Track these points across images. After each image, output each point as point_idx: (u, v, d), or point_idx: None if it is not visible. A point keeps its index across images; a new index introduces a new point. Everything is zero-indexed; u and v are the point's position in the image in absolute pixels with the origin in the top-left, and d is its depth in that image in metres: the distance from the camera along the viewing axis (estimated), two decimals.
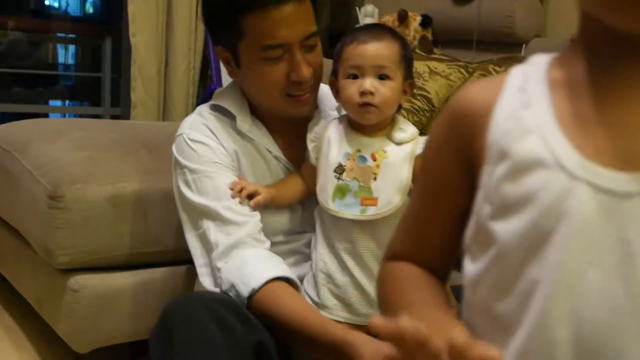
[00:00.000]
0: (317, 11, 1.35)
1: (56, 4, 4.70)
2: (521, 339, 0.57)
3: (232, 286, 1.23)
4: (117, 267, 1.65)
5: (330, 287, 1.27)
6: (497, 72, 2.26)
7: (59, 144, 1.76)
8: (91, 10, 4.78)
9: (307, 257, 1.34)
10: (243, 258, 1.25)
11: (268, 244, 1.30)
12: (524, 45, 2.49)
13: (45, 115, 3.94)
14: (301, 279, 1.31)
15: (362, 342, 1.07)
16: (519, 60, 1.80)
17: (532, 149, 0.58)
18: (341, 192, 1.24)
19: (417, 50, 2.65)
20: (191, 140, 1.34)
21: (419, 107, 2.28)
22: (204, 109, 1.41)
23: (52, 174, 1.63)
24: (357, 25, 2.88)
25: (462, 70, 2.36)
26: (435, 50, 2.66)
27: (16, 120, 2.16)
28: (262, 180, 1.38)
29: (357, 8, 3.14)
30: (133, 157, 1.73)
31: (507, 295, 0.59)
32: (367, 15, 3.04)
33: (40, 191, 1.61)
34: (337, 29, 3.28)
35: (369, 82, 1.22)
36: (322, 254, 1.27)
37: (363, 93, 1.21)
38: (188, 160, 1.33)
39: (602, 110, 0.57)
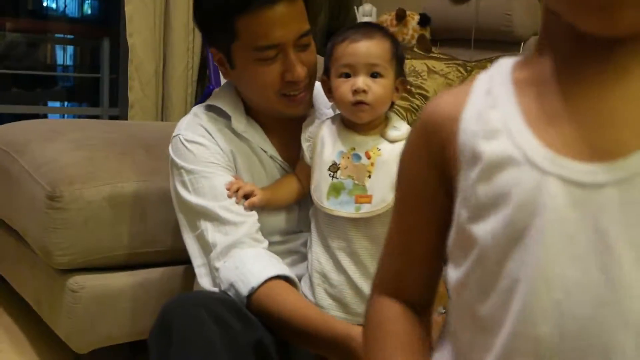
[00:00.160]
0: (310, 9, 1.35)
1: (54, 5, 4.70)
2: (505, 338, 0.57)
3: (231, 285, 1.23)
4: (116, 267, 1.65)
5: (325, 287, 1.27)
6: None
7: (57, 145, 1.76)
8: (89, 11, 4.78)
9: (304, 257, 1.34)
10: (242, 257, 1.25)
11: (266, 243, 1.30)
12: (522, 43, 2.49)
13: (44, 116, 3.93)
14: (299, 279, 1.31)
15: None
16: None
17: (501, 148, 0.58)
18: (336, 190, 1.24)
19: (416, 49, 2.66)
20: (187, 141, 1.34)
21: (417, 105, 2.28)
22: (199, 109, 1.41)
23: (51, 175, 1.63)
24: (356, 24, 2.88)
25: (461, 69, 2.36)
26: (433, 49, 2.66)
27: (15, 121, 2.16)
28: (258, 181, 1.38)
29: (355, 7, 3.15)
30: (131, 157, 1.73)
31: (490, 296, 0.58)
32: (365, 14, 3.04)
33: (39, 191, 1.61)
34: (335, 28, 3.28)
35: (361, 81, 1.22)
36: (317, 253, 1.28)
37: (356, 91, 1.22)
38: (184, 161, 1.33)
39: (569, 104, 0.57)
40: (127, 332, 1.65)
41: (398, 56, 1.27)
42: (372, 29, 1.27)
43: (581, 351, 0.54)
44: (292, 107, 1.35)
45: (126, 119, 3.11)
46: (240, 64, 1.33)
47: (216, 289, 1.26)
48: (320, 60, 1.36)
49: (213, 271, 1.27)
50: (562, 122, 0.57)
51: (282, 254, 1.33)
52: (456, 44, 2.65)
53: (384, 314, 0.74)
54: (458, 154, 0.62)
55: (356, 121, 1.25)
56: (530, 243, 0.55)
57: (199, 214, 1.30)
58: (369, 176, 1.23)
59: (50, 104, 4.65)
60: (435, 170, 0.66)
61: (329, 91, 1.29)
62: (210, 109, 1.40)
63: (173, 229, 1.60)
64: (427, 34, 2.73)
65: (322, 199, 1.25)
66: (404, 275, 0.73)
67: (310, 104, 1.40)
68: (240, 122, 1.38)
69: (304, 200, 1.36)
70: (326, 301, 1.27)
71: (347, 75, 1.23)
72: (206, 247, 1.29)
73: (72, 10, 4.75)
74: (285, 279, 1.25)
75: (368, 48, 1.23)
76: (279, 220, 1.38)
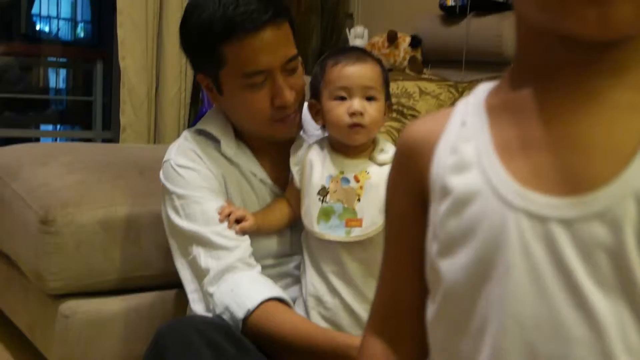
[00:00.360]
0: (301, 32, 1.36)
1: (47, 29, 4.72)
2: None
3: (226, 308, 1.22)
4: (109, 292, 1.64)
5: (320, 310, 1.26)
6: None
7: (50, 168, 1.76)
8: (82, 35, 4.80)
9: (297, 280, 1.34)
10: (236, 281, 1.25)
11: (259, 267, 1.30)
12: None
13: (36, 140, 3.93)
14: (293, 302, 1.30)
15: None
16: None
17: (470, 181, 0.56)
18: (326, 214, 1.24)
19: (407, 71, 2.67)
20: (178, 165, 1.34)
21: None
22: (189, 133, 1.41)
23: (43, 199, 1.62)
24: (346, 46, 2.89)
25: (452, 90, 2.37)
26: (425, 70, 2.67)
27: (7, 145, 2.15)
28: (249, 205, 1.38)
29: (347, 29, 3.16)
30: (124, 180, 1.73)
31: (463, 335, 0.57)
32: (357, 36, 3.06)
33: (31, 216, 1.61)
34: (327, 50, 3.30)
35: (358, 103, 1.23)
36: (310, 277, 1.27)
37: (353, 114, 1.22)
38: (175, 186, 1.33)
39: (541, 132, 0.55)
40: (120, 357, 1.64)
41: (387, 80, 1.29)
42: (363, 53, 1.29)
43: None
44: (283, 130, 1.35)
45: (119, 142, 3.11)
46: (229, 90, 1.33)
47: (210, 314, 1.26)
48: (306, 80, 1.37)
49: (207, 296, 1.27)
50: (533, 151, 0.55)
51: (275, 278, 1.33)
52: (447, 65, 2.66)
53: (363, 352, 0.71)
54: (431, 185, 0.61)
55: (350, 143, 1.26)
56: (498, 280, 0.53)
57: (190, 239, 1.30)
58: (359, 200, 1.23)
59: (43, 127, 4.64)
60: (415, 199, 0.64)
61: (316, 114, 1.29)
62: (200, 133, 1.40)
63: (166, 252, 1.59)
64: (419, 56, 2.75)
65: (312, 224, 1.25)
66: (389, 307, 0.70)
67: (300, 126, 1.40)
68: (229, 147, 1.38)
69: (295, 223, 1.36)
70: (321, 324, 1.26)
71: (342, 98, 1.24)
72: (199, 273, 1.28)
73: (65, 33, 4.77)
74: (281, 301, 1.24)
75: (363, 71, 1.24)
76: (271, 243, 1.37)
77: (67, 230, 1.57)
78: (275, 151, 1.39)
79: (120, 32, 2.99)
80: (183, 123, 3.16)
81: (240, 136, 1.41)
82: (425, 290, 0.64)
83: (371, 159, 1.26)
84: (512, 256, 0.53)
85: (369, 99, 1.24)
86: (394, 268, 0.69)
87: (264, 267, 1.32)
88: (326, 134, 1.33)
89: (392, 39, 2.77)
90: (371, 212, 1.22)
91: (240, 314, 1.20)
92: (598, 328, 0.51)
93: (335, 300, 1.25)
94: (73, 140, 4.02)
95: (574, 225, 0.51)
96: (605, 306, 0.51)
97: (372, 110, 1.23)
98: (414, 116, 2.29)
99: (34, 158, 1.86)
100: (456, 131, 0.60)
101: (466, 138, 0.59)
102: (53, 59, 4.58)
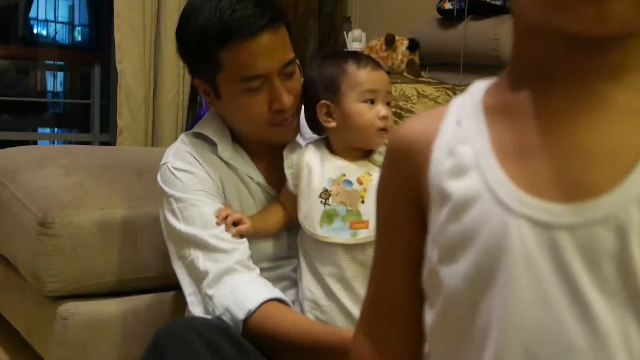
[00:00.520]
0: (299, 35, 1.37)
1: (45, 32, 4.72)
2: None
3: (227, 310, 1.22)
4: (107, 294, 1.64)
5: (316, 313, 1.26)
6: None
7: (48, 171, 1.76)
8: (80, 38, 4.80)
9: (295, 283, 1.34)
10: (235, 283, 1.25)
11: (257, 270, 1.30)
12: None
13: (34, 143, 3.93)
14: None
15: None
16: None
17: (470, 185, 0.55)
18: (329, 217, 1.24)
19: (405, 74, 2.68)
20: (175, 169, 1.34)
21: None
22: (186, 136, 1.41)
23: (42, 201, 1.62)
24: (345, 49, 2.90)
25: (450, 93, 2.38)
26: (422, 73, 2.68)
27: (5, 147, 2.15)
28: (247, 207, 1.38)
29: (345, 32, 3.17)
30: (122, 183, 1.73)
31: (464, 342, 0.56)
32: (354, 39, 3.06)
33: (30, 218, 1.61)
34: None
35: (385, 108, 1.25)
36: (307, 281, 1.28)
37: (383, 118, 1.24)
38: (173, 189, 1.33)
39: (540, 136, 0.54)
40: (118, 359, 1.64)
41: None
42: (372, 58, 1.31)
43: None
44: (282, 134, 1.35)
45: (116, 145, 3.11)
46: (226, 94, 1.33)
47: (209, 317, 1.25)
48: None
49: (205, 299, 1.27)
50: (533, 155, 0.54)
51: (272, 281, 1.32)
52: (445, 68, 2.67)
53: (352, 352, 0.71)
54: (429, 189, 0.59)
55: (373, 147, 1.28)
56: (499, 287, 0.53)
57: (188, 242, 1.30)
58: (362, 201, 1.23)
59: (41, 130, 4.64)
60: (408, 199, 0.63)
61: (328, 115, 1.28)
62: (198, 136, 1.40)
63: (164, 254, 1.59)
64: (416, 59, 2.75)
65: (314, 227, 1.25)
66: (378, 308, 0.69)
67: (298, 130, 1.40)
68: (226, 150, 1.38)
69: (292, 226, 1.36)
70: None
71: (371, 102, 1.25)
72: (197, 276, 1.28)
73: (62, 36, 4.78)
74: (280, 301, 1.25)
75: (385, 77, 1.28)
76: (268, 246, 1.37)
77: (65, 232, 1.57)
78: (272, 154, 1.39)
79: (118, 36, 3.00)
80: (180, 126, 3.17)
81: (238, 139, 1.41)
82: (415, 293, 0.63)
83: (371, 161, 1.27)
84: (514, 263, 0.52)
85: (388, 103, 1.27)
86: (385, 269, 0.69)
87: (261, 270, 1.31)
88: (319, 138, 1.33)
89: (390, 42, 2.77)
90: None
91: (240, 314, 1.20)
92: (602, 338, 0.50)
93: (331, 303, 1.25)
94: (71, 143, 4.02)
95: (578, 231, 0.50)
96: (609, 315, 0.50)
97: (390, 115, 1.27)
98: None
99: (32, 160, 1.86)
100: (452, 131, 0.59)
101: (463, 139, 0.58)
102: (51, 62, 4.58)
